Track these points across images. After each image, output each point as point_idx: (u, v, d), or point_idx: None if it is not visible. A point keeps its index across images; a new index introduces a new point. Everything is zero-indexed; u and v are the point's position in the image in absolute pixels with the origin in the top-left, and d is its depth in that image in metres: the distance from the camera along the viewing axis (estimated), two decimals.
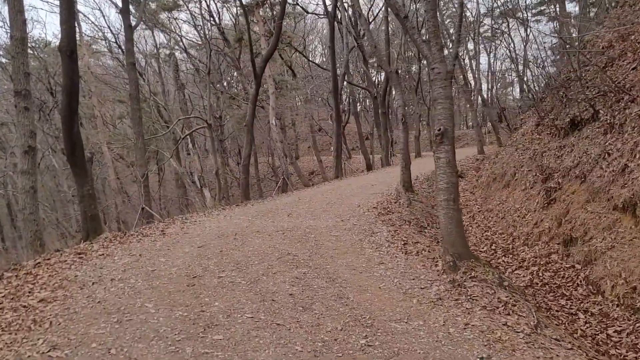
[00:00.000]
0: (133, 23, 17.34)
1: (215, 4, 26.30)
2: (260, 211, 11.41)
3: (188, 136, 20.96)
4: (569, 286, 5.86)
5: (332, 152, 49.67)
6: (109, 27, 43.30)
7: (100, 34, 32.57)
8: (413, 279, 5.27)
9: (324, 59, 50.62)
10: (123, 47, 27.60)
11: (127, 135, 28.44)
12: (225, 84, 36.52)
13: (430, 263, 5.78)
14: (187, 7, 25.71)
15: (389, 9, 26.23)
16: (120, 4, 17.96)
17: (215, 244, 7.42)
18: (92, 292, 5.28)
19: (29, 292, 5.27)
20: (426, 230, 9.35)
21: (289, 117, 44.70)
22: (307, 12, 27.46)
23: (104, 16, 70.39)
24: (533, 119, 10.88)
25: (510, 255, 6.99)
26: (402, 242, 6.98)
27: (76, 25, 26.28)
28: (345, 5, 24.12)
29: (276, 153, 23.89)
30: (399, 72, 12.31)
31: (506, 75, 57.17)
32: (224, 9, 32.44)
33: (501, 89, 55.66)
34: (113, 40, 27.88)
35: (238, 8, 27.22)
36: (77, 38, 27.76)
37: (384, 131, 25.58)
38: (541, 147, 8.78)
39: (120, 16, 17.64)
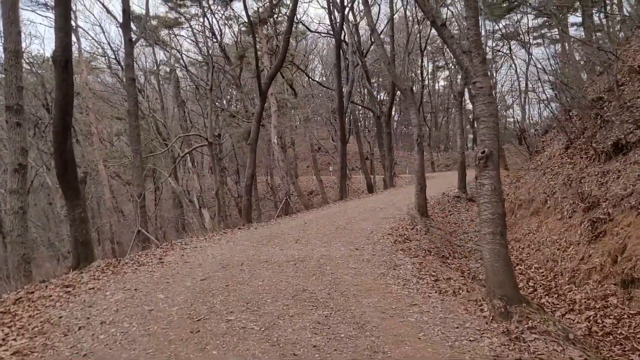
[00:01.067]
0: (133, 38, 16.76)
1: (217, 21, 25.72)
2: (265, 236, 10.64)
3: (187, 155, 20.28)
4: (639, 338, 5.11)
5: (336, 172, 49.01)
6: (109, 44, 42.80)
7: (99, 50, 32.00)
8: (457, 328, 4.49)
9: (324, 78, 50.30)
10: (122, 63, 27.18)
11: (124, 153, 27.77)
12: (224, 102, 35.96)
13: (474, 307, 5.00)
14: (190, 24, 25.18)
15: (393, 29, 25.88)
16: (120, 18, 17.42)
17: (220, 277, 6.63)
18: (77, 340, 4.47)
19: (3, 340, 4.46)
20: (449, 261, 8.59)
21: (289, 136, 44.15)
22: (310, 31, 27.06)
23: (103, 32, 70.20)
24: (560, 141, 10.23)
25: (555, 296, 6.23)
26: (432, 278, 6.20)
27: (75, 40, 25.80)
28: (350, 24, 23.74)
29: (277, 172, 23.16)
30: (414, 89, 11.70)
31: (505, 97, 57.14)
32: (226, 26, 31.98)
33: (502, 110, 55.44)
34: (113, 56, 27.35)
35: (240, 25, 26.83)
36: (76, 54, 27.26)
37: (388, 151, 24.98)
38: (577, 172, 8.10)
39: (120, 31, 17.06)
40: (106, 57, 28.36)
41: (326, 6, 31.54)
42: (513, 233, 9.16)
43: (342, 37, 24.88)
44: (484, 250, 5.13)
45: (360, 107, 34.93)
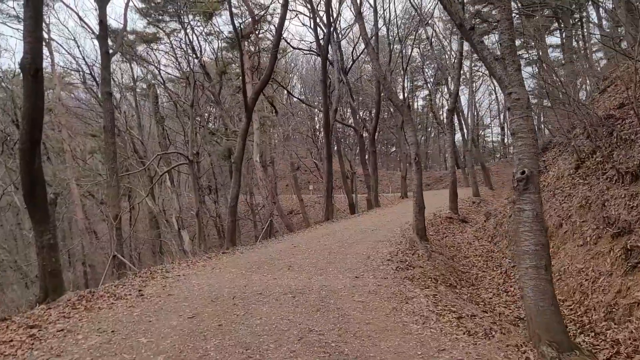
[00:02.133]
0: (110, 51, 15.94)
1: (197, 37, 24.99)
2: (254, 262, 9.85)
3: (166, 173, 19.35)
4: None
5: (316, 191, 48.27)
6: (83, 58, 41.36)
7: (74, 64, 30.88)
8: None
9: (304, 97, 49.84)
10: (98, 78, 26.17)
11: (98, 172, 26.59)
12: (199, 119, 35.09)
13: (515, 354, 4.29)
14: (169, 39, 24.38)
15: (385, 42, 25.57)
16: (96, 31, 16.58)
17: (211, 313, 5.83)
18: None
19: None
20: (457, 290, 7.93)
21: (268, 155, 43.39)
22: (294, 48, 26.51)
23: (78, 46, 68.40)
24: (567, 160, 9.76)
25: (592, 334, 5.61)
26: (454, 315, 5.50)
27: (48, 54, 24.75)
28: (334, 41, 23.30)
29: (259, 192, 22.33)
30: (410, 106, 11.13)
31: (483, 117, 57.66)
32: (206, 43, 31.30)
33: (481, 129, 55.82)
34: (88, 71, 26.26)
35: (221, 41, 26.18)
36: (49, 68, 26.21)
37: (373, 170, 24.43)
38: (596, 194, 7.58)
39: (96, 44, 16.21)
40: (80, 72, 27.25)
41: (309, 24, 31.30)
42: None
43: (329, 54, 24.46)
44: (526, 287, 4.47)
45: (340, 125, 34.47)
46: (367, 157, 26.46)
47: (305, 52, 30.31)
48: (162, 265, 10.25)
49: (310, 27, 37.19)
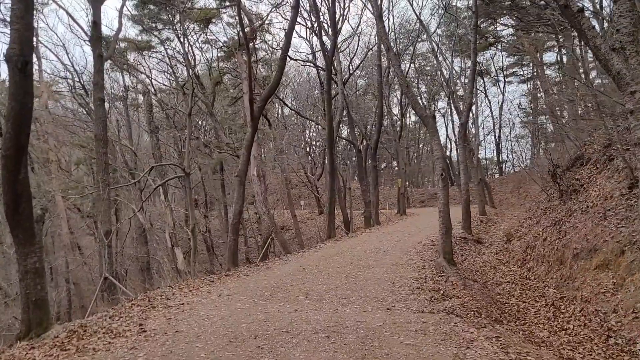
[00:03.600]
0: (104, 54, 14.90)
1: (191, 46, 23.95)
2: (263, 287, 8.82)
3: (160, 187, 18.23)
4: None
5: (309, 207, 47.16)
6: (72, 65, 39.91)
7: (62, 72, 29.76)
8: None
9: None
10: (86, 87, 25.05)
11: (85, 184, 25.31)
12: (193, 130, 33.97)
13: None
14: (164, 46, 23.36)
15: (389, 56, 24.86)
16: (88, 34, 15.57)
17: (231, 359, 4.78)
18: None
19: None
20: (504, 326, 6.95)
21: (260, 169, 42.33)
22: (292, 59, 25.64)
23: (67, 53, 66.96)
24: (611, 179, 8.93)
25: None
26: None
27: (36, 59, 23.59)
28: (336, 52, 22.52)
29: (257, 208, 21.27)
30: (436, 117, 10.30)
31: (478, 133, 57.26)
32: (201, 52, 30.33)
33: (473, 145, 55.38)
34: (77, 79, 25.10)
35: (218, 50, 25.26)
36: (36, 76, 25.05)
37: (374, 186, 23.51)
38: None
39: (86, 50, 15.16)
40: (69, 80, 26.08)
41: (305, 35, 30.48)
42: (573, 289, 7.63)
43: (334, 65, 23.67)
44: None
45: (343, 140, 33.68)
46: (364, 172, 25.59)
47: (303, 63, 29.51)
48: (161, 290, 9.14)
49: (306, 38, 36.43)
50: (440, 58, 37.94)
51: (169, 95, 30.78)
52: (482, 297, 7.89)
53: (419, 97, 51.97)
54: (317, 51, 31.89)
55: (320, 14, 19.78)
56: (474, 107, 32.95)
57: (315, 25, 20.62)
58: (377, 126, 23.12)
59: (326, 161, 46.26)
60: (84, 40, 24.31)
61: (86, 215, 22.79)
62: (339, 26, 19.03)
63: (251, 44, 24.55)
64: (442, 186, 9.51)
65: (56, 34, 62.86)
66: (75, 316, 22.94)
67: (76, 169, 31.43)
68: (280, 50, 28.49)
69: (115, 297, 10.01)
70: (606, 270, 7.15)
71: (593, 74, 34.22)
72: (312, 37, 33.50)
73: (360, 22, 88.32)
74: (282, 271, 10.83)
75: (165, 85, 29.04)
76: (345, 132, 33.73)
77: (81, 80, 25.15)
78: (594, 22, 30.80)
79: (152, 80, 27.94)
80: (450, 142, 47.38)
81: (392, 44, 33.67)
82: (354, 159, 41.89)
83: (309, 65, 29.59)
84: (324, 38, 19.49)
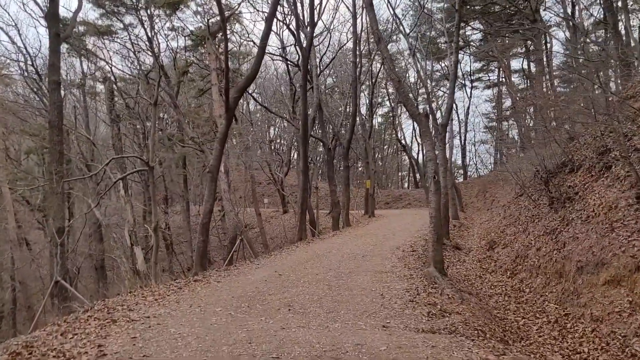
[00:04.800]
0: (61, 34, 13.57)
1: (156, 33, 22.46)
2: (239, 296, 7.93)
3: (120, 181, 16.89)
4: None
5: (271, 205, 46.23)
6: (25, 48, 37.27)
7: (14, 55, 27.58)
8: None
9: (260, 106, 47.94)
10: (39, 71, 23.25)
11: (35, 175, 23.53)
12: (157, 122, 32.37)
13: None
14: (128, 32, 21.86)
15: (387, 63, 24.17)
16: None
17: None
18: None
19: None
20: (509, 347, 6.31)
21: (226, 165, 40.99)
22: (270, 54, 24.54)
23: (20, 34, 62.98)
24: (612, 187, 8.46)
25: None
26: None
27: None
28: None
29: (223, 205, 20.17)
30: (429, 115, 9.65)
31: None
32: (167, 40, 28.89)
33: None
34: (30, 62, 23.19)
35: (186, 38, 23.96)
36: None
37: (345, 187, 22.81)
38: None
39: (40, 32, 13.80)
40: (20, 63, 24.09)
41: (276, 28, 29.42)
42: (579, 306, 7.08)
43: (296, 61, 22.80)
44: None
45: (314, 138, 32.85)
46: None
47: (272, 58, 28.51)
48: (122, 299, 8.08)
49: (276, 32, 35.44)
50: (419, 56, 37.79)
51: (130, 85, 29.14)
52: (481, 312, 7.24)
53: (386, 99, 52.07)
54: (288, 45, 31.03)
55: (298, 3, 18.87)
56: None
57: (291, 17, 19.71)
58: (350, 125, 22.39)
59: (293, 158, 45.34)
60: (40, 18, 22.54)
61: (36, 208, 21.11)
62: (316, 18, 18.16)
63: (220, 35, 23.44)
64: (434, 190, 8.83)
65: (8, 13, 59.16)
66: (20, 316, 21.24)
67: (26, 158, 29.39)
68: (250, 42, 27.50)
69: (67, 305, 8.87)
70: (618, 287, 6.62)
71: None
72: (282, 32, 32.59)
73: (334, 17, 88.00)
74: (256, 277, 9.94)
75: (126, 74, 27.38)
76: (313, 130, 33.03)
77: (34, 64, 23.32)
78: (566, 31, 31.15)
79: (113, 68, 26.29)
80: (419, 145, 47.25)
81: (363, 43, 33.13)
82: (319, 157, 41.26)
83: (279, 60, 28.63)
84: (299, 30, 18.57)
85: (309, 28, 17.30)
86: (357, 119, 29.98)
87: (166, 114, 31.41)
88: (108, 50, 30.69)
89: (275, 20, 23.24)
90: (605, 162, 9.21)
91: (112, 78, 25.73)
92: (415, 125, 66.64)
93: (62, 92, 25.95)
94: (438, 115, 21.58)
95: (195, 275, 10.60)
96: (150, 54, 23.36)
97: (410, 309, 7.00)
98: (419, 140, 47.02)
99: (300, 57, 18.07)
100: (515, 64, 46.09)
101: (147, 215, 25.79)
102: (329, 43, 34.34)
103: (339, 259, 11.94)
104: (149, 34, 22.49)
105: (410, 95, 47.37)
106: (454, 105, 49.27)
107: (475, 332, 6.22)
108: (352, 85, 22.90)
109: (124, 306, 7.30)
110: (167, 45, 32.57)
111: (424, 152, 11.27)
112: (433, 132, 13.77)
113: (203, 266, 11.06)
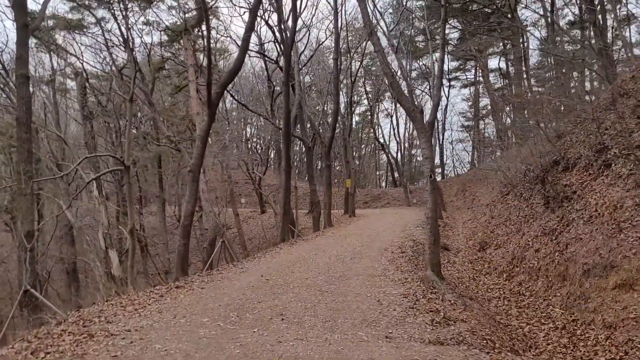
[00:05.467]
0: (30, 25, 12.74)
1: (130, 28, 21.50)
2: (226, 305, 7.41)
3: (94, 181, 16.02)
4: None
5: (248, 205, 45.46)
6: None
7: None
8: None
9: (236, 104, 47.19)
10: (6, 66, 22.13)
11: (1, 175, 22.39)
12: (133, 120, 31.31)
13: None
14: (101, 26, 20.94)
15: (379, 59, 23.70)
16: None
17: None
18: None
19: None
20: (520, 356, 5.95)
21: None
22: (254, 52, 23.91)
23: None
24: (618, 185, 8.19)
25: None
26: None
27: None
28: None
29: (203, 206, 19.49)
30: (424, 111, 9.16)
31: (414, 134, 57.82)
32: (141, 36, 27.90)
33: (412, 149, 55.78)
34: None
35: (162, 32, 23.13)
36: None
37: (328, 186, 22.36)
38: None
39: (7, 25, 13.00)
40: None
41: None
42: (588, 312, 6.73)
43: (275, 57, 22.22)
44: None
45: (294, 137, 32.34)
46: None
47: (252, 55, 27.87)
48: (98, 309, 7.44)
49: (254, 29, 34.77)
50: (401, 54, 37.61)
51: (103, 82, 28.08)
52: (486, 319, 6.87)
53: (364, 98, 51.83)
54: (267, 42, 30.39)
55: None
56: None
57: (271, 12, 19.13)
58: (332, 122, 21.93)
59: (270, 157, 44.60)
60: (6, 9, 21.43)
61: (3, 210, 20.04)
62: (299, 10, 17.64)
63: (197, 30, 22.71)
64: (430, 189, 8.44)
65: None
66: None
67: None
68: (227, 38, 26.74)
69: (38, 317, 8.18)
70: (630, 291, 6.33)
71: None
72: (260, 28, 31.92)
73: (314, 13, 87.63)
74: (242, 282, 9.40)
75: (99, 70, 26.37)
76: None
77: (1, 59, 22.19)
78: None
79: (84, 64, 25.24)
80: (398, 144, 47.25)
81: (342, 40, 32.69)
82: (296, 157, 40.81)
83: (257, 57, 28.03)
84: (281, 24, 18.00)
85: (291, 22, 16.75)
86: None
87: (140, 113, 30.46)
88: (79, 46, 29.59)
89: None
90: (605, 159, 8.96)
91: (84, 74, 24.72)
92: (394, 123, 66.86)
93: (31, 89, 24.92)
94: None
95: (177, 281, 10.02)
96: (124, 48, 22.51)
97: (411, 317, 6.60)
98: (397, 139, 46.91)
99: (283, 52, 17.51)
100: (492, 63, 46.33)
101: (121, 216, 24.87)
102: (308, 40, 33.90)
103: (327, 261, 11.49)
104: (123, 28, 21.64)
105: (387, 93, 47.27)
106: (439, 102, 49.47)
107: (484, 342, 5.84)
108: (333, 82, 22.44)
109: (101, 318, 6.70)
110: (142, 41, 31.58)
111: (421, 149, 10.76)
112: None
113: (184, 271, 10.45)
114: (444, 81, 49.28)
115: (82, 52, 33.92)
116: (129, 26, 22.40)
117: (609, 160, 8.89)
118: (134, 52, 18.40)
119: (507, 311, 8.08)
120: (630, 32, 30.18)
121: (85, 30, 25.33)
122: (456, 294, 7.50)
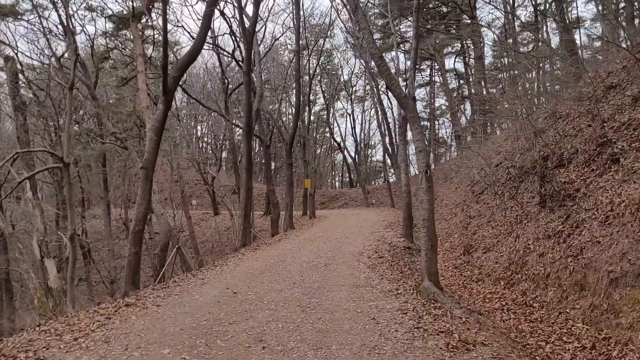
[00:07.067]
0: None
1: (70, 16, 19.28)
2: (190, 329, 6.07)
3: (27, 180, 14.00)
4: None
5: (200, 207, 43.48)
6: None
7: None
8: None
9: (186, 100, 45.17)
10: None
11: None
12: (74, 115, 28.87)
13: None
14: (38, 12, 18.77)
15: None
16: None
17: None
18: None
19: None
20: None
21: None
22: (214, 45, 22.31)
23: None
24: (630, 181, 7.40)
25: None
26: None
27: None
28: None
29: (153, 208, 17.76)
30: (416, 98, 8.13)
31: (372, 137, 57.50)
32: (83, 24, 25.49)
33: (367, 149, 55.35)
34: None
35: (106, 20, 21.13)
36: None
37: (289, 187, 21.10)
38: None
39: None
40: None
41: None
42: (621, 328, 5.73)
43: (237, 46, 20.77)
44: None
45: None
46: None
47: (206, 47, 26.16)
48: (27, 338, 5.91)
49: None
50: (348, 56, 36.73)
51: (40, 74, 25.62)
52: (503, 339, 5.84)
53: (319, 96, 50.83)
54: (221, 34, 28.87)
55: None
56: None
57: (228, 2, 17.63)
58: (294, 119, 20.70)
59: (222, 156, 42.74)
60: None
61: None
62: None
63: (146, 19, 20.92)
64: (426, 187, 7.37)
65: None
66: None
67: None
68: (180, 28, 25.00)
69: None
70: None
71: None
72: (213, 19, 30.23)
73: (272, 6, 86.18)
74: (205, 297, 8.02)
75: (35, 60, 23.96)
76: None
77: None
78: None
79: (19, 54, 22.82)
80: (356, 143, 46.51)
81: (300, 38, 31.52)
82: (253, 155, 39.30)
83: (209, 50, 26.42)
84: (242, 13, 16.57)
85: (252, 6, 15.40)
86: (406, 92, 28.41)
87: (82, 110, 28.14)
88: (13, 35, 26.99)
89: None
90: (611, 154, 8.20)
91: (17, 60, 22.29)
92: (351, 123, 66.39)
93: None
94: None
95: (126, 297, 8.52)
96: (64, 37, 20.38)
97: (419, 340, 5.48)
98: (354, 138, 46.20)
99: (242, 41, 16.12)
100: (448, 63, 46.38)
101: (61, 220, 22.69)
102: (263, 36, 32.56)
103: (299, 269, 10.27)
104: (62, 14, 19.52)
105: (342, 93, 46.50)
106: (390, 102, 49.06)
107: None
108: (295, 76, 21.23)
109: (29, 353, 5.22)
110: (84, 30, 29.26)
111: (413, 141, 9.71)
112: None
113: (135, 284, 8.93)
114: (400, 80, 49.03)
115: (16, 42, 31.07)
116: (70, 13, 20.31)
117: (616, 155, 8.15)
118: (74, 36, 16.42)
119: (516, 326, 7.13)
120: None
121: (19, 17, 22.98)
122: (464, 309, 6.46)
